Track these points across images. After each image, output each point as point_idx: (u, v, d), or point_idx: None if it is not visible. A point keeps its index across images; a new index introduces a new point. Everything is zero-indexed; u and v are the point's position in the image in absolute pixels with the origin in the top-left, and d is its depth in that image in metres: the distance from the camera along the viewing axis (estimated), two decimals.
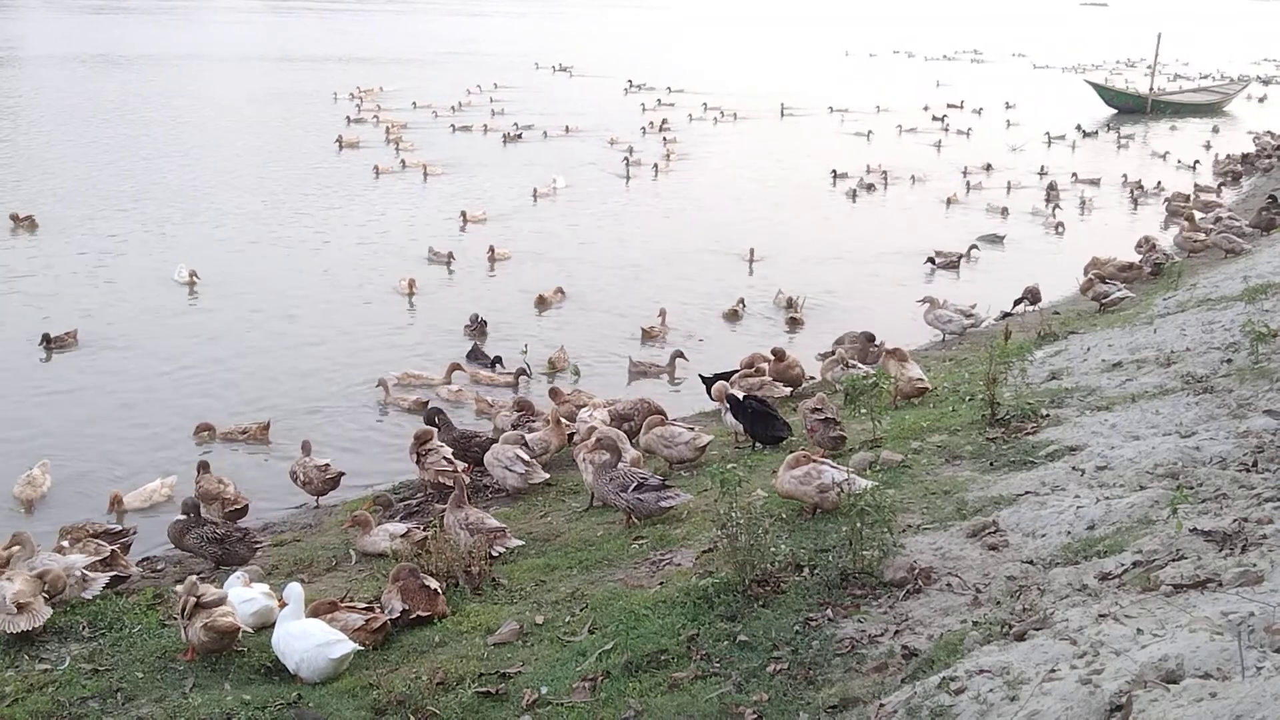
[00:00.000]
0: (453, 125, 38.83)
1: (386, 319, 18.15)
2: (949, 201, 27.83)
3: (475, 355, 16.29)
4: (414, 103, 43.64)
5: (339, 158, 32.56)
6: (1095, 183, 31.07)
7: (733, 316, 18.46)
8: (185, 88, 46.92)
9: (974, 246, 22.74)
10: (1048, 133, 40.53)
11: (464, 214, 24.53)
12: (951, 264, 21.81)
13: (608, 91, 51.31)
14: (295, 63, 59.59)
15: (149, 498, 11.47)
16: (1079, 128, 42.33)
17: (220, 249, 21.73)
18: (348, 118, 39.55)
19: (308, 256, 21.68)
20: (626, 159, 32.40)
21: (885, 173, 31.33)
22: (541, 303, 18.88)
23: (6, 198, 24.85)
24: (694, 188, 29.75)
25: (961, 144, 39.24)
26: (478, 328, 17.43)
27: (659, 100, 49.00)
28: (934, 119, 44.79)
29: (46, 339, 15.75)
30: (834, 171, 31.11)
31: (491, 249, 21.43)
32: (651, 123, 39.55)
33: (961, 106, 48.27)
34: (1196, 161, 35.34)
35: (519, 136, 36.92)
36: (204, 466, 11.19)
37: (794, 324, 18.00)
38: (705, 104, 45.80)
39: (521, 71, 58.12)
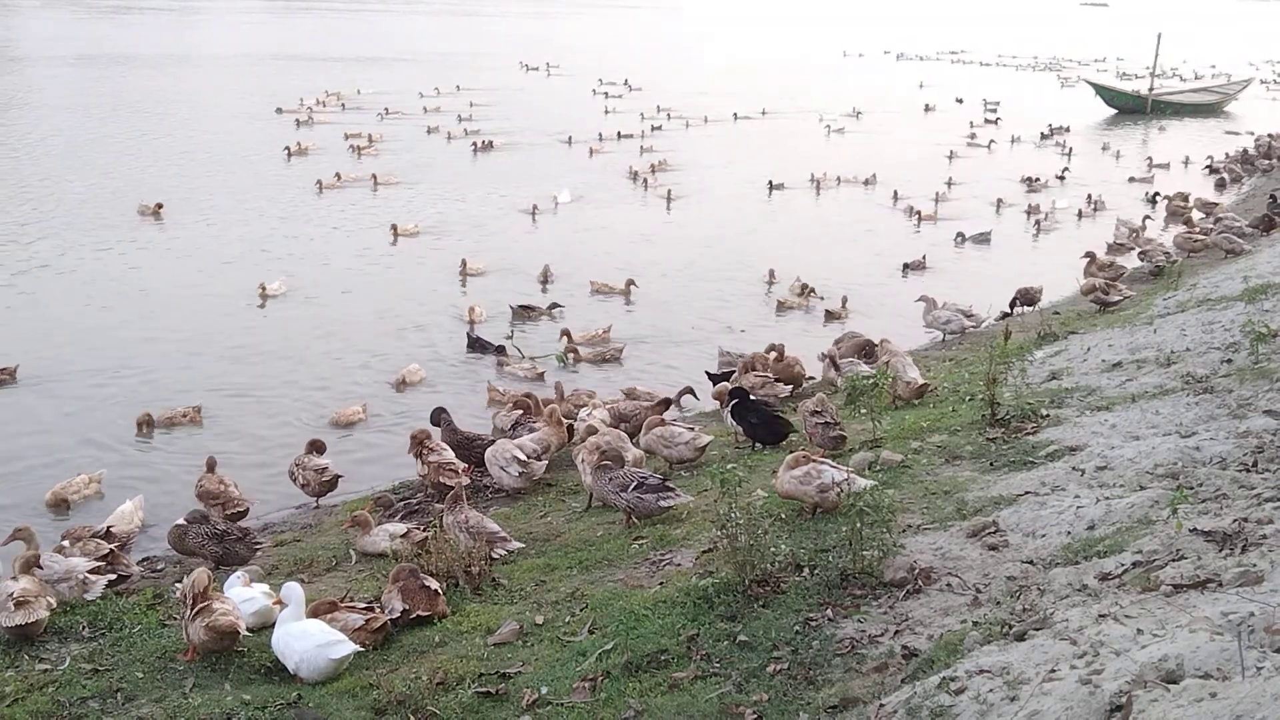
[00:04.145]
0: (428, 127, 37.82)
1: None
2: (919, 216, 26.74)
3: (476, 345, 16.58)
4: (343, 104, 42.74)
5: (288, 166, 31.15)
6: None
7: (782, 308, 19.15)
8: (168, 88, 46.47)
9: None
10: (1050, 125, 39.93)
11: (394, 227, 23.36)
12: (919, 266, 21.75)
13: (576, 92, 50.67)
14: (289, 63, 59.17)
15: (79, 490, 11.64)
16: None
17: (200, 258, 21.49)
18: (291, 118, 38.47)
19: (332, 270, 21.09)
20: (635, 172, 31.07)
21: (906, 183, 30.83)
22: (607, 290, 19.71)
23: None
24: (690, 196, 28.80)
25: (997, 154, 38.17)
26: (523, 312, 18.28)
27: (606, 93, 49.07)
28: (980, 123, 43.83)
29: None
30: (770, 182, 29.92)
31: (464, 262, 20.74)
32: (643, 132, 38.55)
33: (960, 101, 48.25)
34: (1209, 165, 35.08)
35: (490, 144, 34.83)
36: (210, 465, 11.16)
37: (831, 316, 18.64)
38: (659, 106, 45.06)
39: (494, 73, 57.37)
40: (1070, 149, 37.99)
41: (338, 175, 28.43)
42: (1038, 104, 50.81)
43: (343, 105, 42.68)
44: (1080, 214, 27.42)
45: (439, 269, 21.07)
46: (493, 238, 23.80)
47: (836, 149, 37.47)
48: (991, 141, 39.65)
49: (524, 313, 18.38)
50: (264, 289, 18.75)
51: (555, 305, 18.69)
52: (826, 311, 18.69)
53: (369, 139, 34.92)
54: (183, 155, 31.92)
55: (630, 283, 19.74)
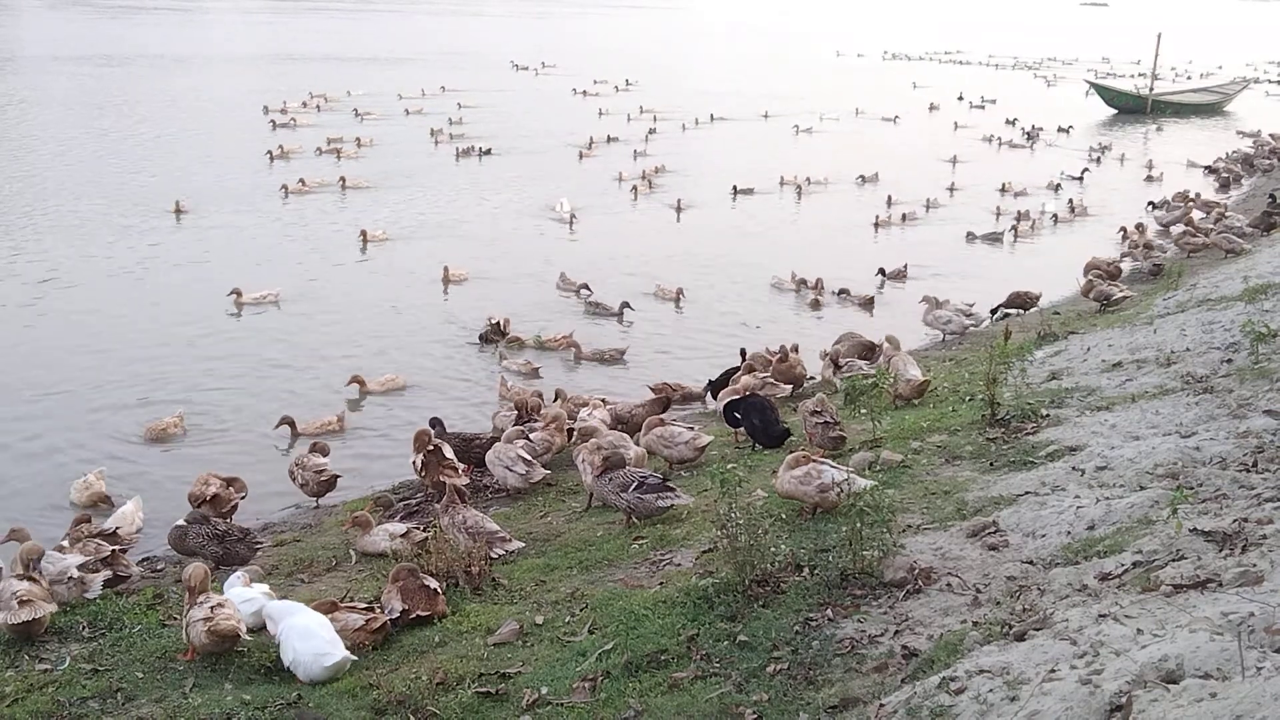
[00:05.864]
0: (430, 129, 37.02)
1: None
2: (876, 223, 26.18)
3: (486, 338, 17.06)
4: (318, 106, 42.27)
5: (270, 170, 30.36)
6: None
7: (815, 305, 19.43)
8: (168, 89, 46.22)
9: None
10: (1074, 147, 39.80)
11: (364, 233, 22.62)
12: (900, 274, 21.41)
13: (567, 93, 50.40)
14: (292, 63, 58.97)
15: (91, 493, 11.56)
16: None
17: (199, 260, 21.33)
18: (282, 119, 38.12)
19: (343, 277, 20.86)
20: (634, 181, 30.07)
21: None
22: (662, 292, 19.89)
23: None
24: (689, 199, 28.12)
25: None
26: (593, 308, 19.05)
27: (585, 93, 49.10)
28: (1002, 123, 43.40)
29: None
30: (735, 187, 29.28)
31: (446, 269, 20.27)
32: (644, 136, 38.14)
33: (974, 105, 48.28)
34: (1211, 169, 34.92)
35: (488, 151, 33.75)
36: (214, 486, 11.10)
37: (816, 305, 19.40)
38: (642, 107, 44.69)
39: (486, 73, 57.06)
40: (1100, 152, 37.52)
41: (302, 181, 27.65)
42: (1040, 105, 50.77)
43: (318, 108, 42.10)
44: (1056, 218, 27.04)
45: (419, 275, 20.67)
46: (486, 242, 23.53)
47: (843, 151, 37.16)
48: (1032, 141, 39.51)
49: (594, 308, 18.87)
50: (239, 295, 18.38)
51: (626, 305, 18.88)
52: (870, 299, 19.27)
53: (357, 142, 34.21)
54: (174, 157, 31.66)
55: (680, 292, 19.70)
